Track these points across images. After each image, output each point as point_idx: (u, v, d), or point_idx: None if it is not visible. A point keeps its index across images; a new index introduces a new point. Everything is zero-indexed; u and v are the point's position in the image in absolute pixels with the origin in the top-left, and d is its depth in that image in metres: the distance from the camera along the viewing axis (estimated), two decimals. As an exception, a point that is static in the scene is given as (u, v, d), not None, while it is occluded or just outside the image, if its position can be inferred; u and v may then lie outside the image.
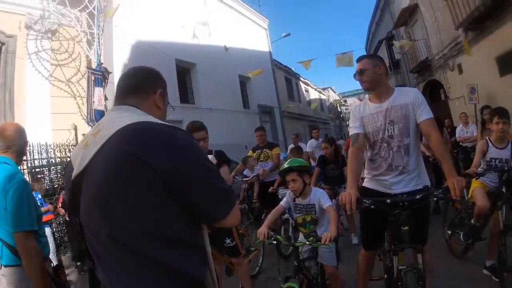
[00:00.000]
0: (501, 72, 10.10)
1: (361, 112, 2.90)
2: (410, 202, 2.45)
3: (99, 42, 9.56)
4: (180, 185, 1.14)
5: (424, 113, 2.67)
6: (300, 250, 2.97)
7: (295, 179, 3.16)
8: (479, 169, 3.92)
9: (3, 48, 8.68)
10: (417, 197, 2.43)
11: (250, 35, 20.76)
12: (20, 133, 2.45)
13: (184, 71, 14.99)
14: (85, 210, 1.21)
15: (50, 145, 8.49)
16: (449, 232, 4.59)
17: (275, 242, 2.88)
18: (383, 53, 19.98)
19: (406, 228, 2.43)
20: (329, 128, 38.83)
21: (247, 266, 4.12)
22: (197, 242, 1.27)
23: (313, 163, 7.75)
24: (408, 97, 2.72)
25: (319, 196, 3.20)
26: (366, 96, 3.31)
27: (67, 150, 8.77)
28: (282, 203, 3.40)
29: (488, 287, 3.53)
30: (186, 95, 14.88)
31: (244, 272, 3.83)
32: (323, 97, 40.00)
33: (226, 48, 17.49)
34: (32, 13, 8.98)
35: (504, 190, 3.60)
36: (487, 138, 4.03)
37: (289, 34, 23.29)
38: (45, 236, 2.47)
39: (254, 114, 19.34)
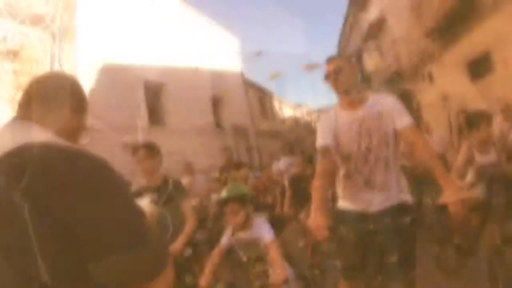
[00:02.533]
0: (472, 77, 10.12)
1: (332, 122, 2.47)
2: (394, 227, 2.07)
3: (59, 62, 9.12)
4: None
5: (406, 119, 2.31)
6: None
7: (237, 210, 2.57)
8: (469, 178, 3.52)
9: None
10: (403, 220, 2.07)
11: (221, 54, 20.59)
12: None
13: (153, 92, 14.57)
14: None
15: None
16: (437, 248, 4.15)
17: None
18: (354, 67, 20.13)
19: (391, 257, 2.04)
20: (305, 145, 38.79)
21: None
22: None
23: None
24: (386, 104, 2.37)
25: (261, 228, 2.62)
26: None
27: None
28: (222, 240, 2.77)
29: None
30: (156, 117, 14.44)
31: None
32: (297, 114, 40.10)
33: (196, 68, 17.21)
34: (-6, 34, 8.52)
35: (494, 199, 3.21)
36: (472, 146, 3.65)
37: (261, 52, 23.27)
38: None
39: (227, 133, 18.98)
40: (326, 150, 2.41)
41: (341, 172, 2.52)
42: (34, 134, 0.98)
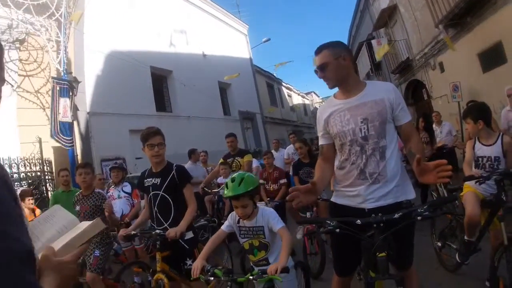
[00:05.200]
0: (484, 68, 9.92)
1: (324, 113, 2.44)
2: (387, 223, 1.95)
3: (65, 50, 9.10)
4: None
5: (404, 115, 2.30)
6: (245, 287, 2.41)
7: (246, 204, 2.56)
8: (482, 171, 3.38)
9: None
10: (396, 216, 1.94)
11: (229, 41, 20.45)
12: None
13: (160, 79, 14.57)
14: None
15: (13, 159, 7.97)
16: (439, 244, 4.09)
17: (212, 278, 2.36)
18: (364, 55, 19.84)
19: (383, 254, 1.95)
20: (314, 132, 38.66)
21: None
22: None
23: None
24: (385, 92, 2.29)
25: (268, 217, 2.64)
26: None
27: (32, 164, 8.27)
28: (223, 227, 2.79)
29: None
30: (162, 103, 14.46)
31: None
32: (306, 101, 39.88)
33: (204, 55, 17.10)
34: (-1, 23, 8.53)
35: (504, 197, 3.08)
36: (476, 137, 3.53)
37: (269, 39, 23.03)
38: None
39: (235, 120, 18.95)
40: (321, 149, 2.49)
41: (336, 164, 2.47)
42: None
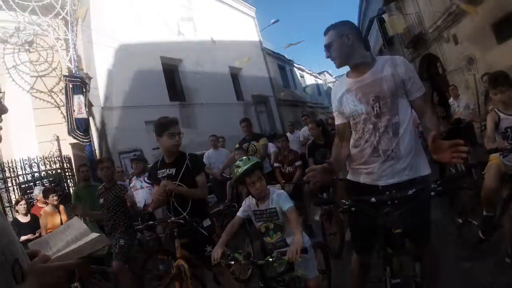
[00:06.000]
0: (499, 39, 9.64)
1: (337, 92, 2.48)
2: (401, 199, 1.98)
3: (74, 48, 9.20)
4: None
5: (416, 88, 2.26)
6: (265, 269, 2.50)
7: (260, 177, 2.65)
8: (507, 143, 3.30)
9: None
10: (410, 192, 1.97)
11: (238, 25, 20.25)
12: None
13: (171, 68, 14.60)
14: None
15: (33, 159, 8.19)
16: (460, 220, 4.00)
17: (233, 262, 2.41)
18: (375, 31, 19.49)
19: (398, 231, 1.98)
20: (329, 112, 38.34)
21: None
22: None
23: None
24: (395, 67, 2.27)
25: (278, 197, 2.70)
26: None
27: (52, 162, 8.48)
28: (239, 213, 2.88)
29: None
30: (175, 92, 14.52)
31: (228, 279, 3.43)
32: (319, 81, 39.44)
33: (213, 41, 17.02)
34: (6, 27, 8.69)
35: None
36: (495, 109, 3.46)
37: (277, 21, 22.76)
38: None
39: (249, 105, 18.91)
40: (338, 129, 2.52)
41: (351, 142, 2.49)
42: None
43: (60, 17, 9.24)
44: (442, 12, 12.55)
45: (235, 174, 2.68)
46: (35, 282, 0.92)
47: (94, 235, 1.13)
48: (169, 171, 3.33)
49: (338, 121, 2.53)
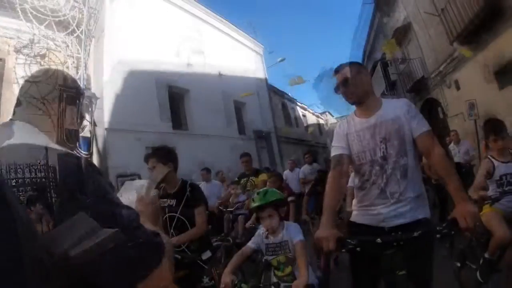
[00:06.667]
0: (500, 86, 9.81)
1: (345, 129, 2.42)
2: (407, 241, 1.93)
3: (85, 67, 9.38)
4: None
5: (421, 125, 2.22)
6: None
7: (272, 214, 2.69)
8: (492, 192, 3.38)
9: (-9, 71, 8.51)
10: (415, 234, 1.90)
11: (245, 60, 20.74)
12: None
13: (177, 97, 14.82)
14: None
15: (19, 165, 8.11)
16: (458, 264, 3.97)
17: None
18: (378, 74, 19.87)
19: (402, 272, 1.95)
20: (329, 152, 38.34)
21: None
22: None
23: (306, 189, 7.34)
24: (400, 109, 2.28)
25: (291, 231, 2.73)
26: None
27: (37, 170, 8.42)
28: (250, 243, 2.86)
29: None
30: (179, 122, 14.65)
31: None
32: (321, 121, 39.80)
33: (220, 74, 17.37)
34: (21, 37, 8.87)
35: None
36: (489, 156, 3.53)
37: (284, 59, 23.25)
38: None
39: (250, 139, 19.02)
40: (337, 160, 2.37)
41: (356, 183, 2.45)
42: None
43: (75, 35, 9.46)
44: (444, 57, 12.85)
45: (251, 204, 2.80)
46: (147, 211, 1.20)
47: (109, 230, 1.11)
48: (169, 201, 3.28)
49: (341, 151, 2.39)
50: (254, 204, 2.73)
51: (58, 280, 0.87)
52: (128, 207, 0.96)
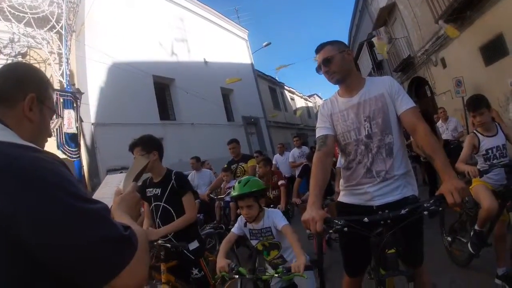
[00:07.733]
0: (486, 62, 9.86)
1: (329, 109, 2.38)
2: (395, 219, 1.90)
3: (67, 62, 9.17)
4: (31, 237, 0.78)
5: (405, 102, 2.18)
6: (270, 283, 2.47)
7: (251, 205, 2.68)
8: (481, 165, 3.42)
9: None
10: (403, 212, 1.87)
11: (230, 46, 20.53)
12: None
13: (163, 87, 14.64)
14: None
15: None
16: (449, 238, 4.04)
17: (237, 276, 2.36)
18: (365, 55, 19.85)
19: (392, 251, 1.91)
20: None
21: None
22: None
23: (297, 172, 7.35)
24: (383, 86, 2.24)
25: (273, 217, 2.72)
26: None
27: None
28: (234, 229, 2.89)
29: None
30: (166, 112, 14.52)
31: None
32: (309, 104, 39.84)
33: (205, 62, 17.17)
34: (1, 37, 8.62)
35: None
36: (474, 131, 3.56)
37: (269, 43, 23.09)
38: None
39: (239, 126, 18.96)
40: (322, 140, 2.32)
41: (342, 164, 2.42)
42: None
43: (55, 30, 9.23)
44: (430, 36, 12.86)
45: (232, 193, 2.76)
46: (123, 206, 1.24)
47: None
48: (155, 191, 3.23)
49: (326, 131, 2.34)
50: (233, 193, 2.72)
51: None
52: (96, 201, 0.88)
